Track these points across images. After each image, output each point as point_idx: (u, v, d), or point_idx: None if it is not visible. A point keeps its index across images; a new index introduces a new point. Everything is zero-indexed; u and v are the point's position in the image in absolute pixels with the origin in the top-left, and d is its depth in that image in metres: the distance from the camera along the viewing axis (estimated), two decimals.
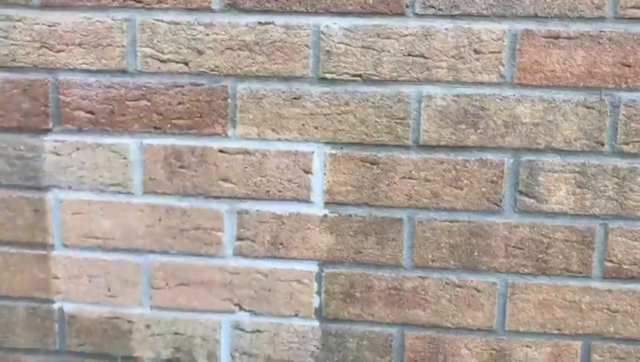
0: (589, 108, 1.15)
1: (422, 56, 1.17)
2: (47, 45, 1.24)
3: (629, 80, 1.14)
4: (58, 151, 1.27)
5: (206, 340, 1.32)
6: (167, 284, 1.31)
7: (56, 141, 1.27)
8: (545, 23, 1.14)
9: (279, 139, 1.23)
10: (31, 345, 1.37)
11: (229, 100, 1.22)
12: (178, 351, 1.33)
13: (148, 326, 1.32)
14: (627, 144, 1.16)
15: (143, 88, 1.23)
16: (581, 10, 1.12)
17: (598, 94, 1.15)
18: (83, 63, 1.23)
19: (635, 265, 1.19)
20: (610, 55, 1.13)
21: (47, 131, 1.27)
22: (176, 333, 1.32)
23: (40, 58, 1.24)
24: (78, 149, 1.27)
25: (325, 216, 1.25)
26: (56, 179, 1.28)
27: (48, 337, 1.36)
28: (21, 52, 1.24)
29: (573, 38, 1.14)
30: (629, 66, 1.13)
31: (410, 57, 1.17)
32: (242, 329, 1.31)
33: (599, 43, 1.13)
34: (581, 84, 1.15)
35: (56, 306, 1.34)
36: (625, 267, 1.20)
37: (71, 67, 1.24)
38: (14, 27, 1.23)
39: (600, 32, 1.13)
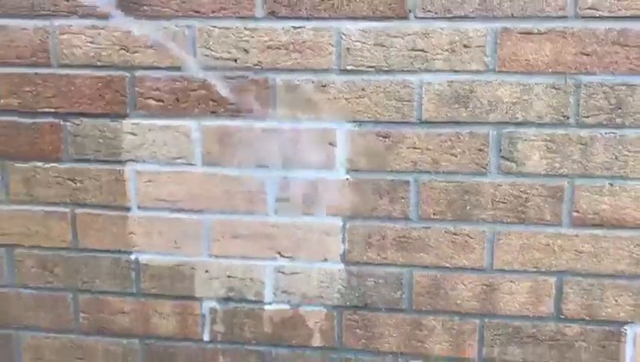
0: (556, 89, 1.39)
1: (422, 50, 1.41)
2: (125, 47, 1.51)
3: (588, 66, 1.37)
4: (134, 132, 1.55)
5: (253, 281, 1.59)
6: (222, 237, 1.57)
7: (132, 124, 1.54)
8: (519, 22, 1.37)
9: (309, 119, 1.48)
10: (113, 288, 1.64)
11: (270, 89, 1.48)
12: (231, 290, 1.60)
13: (207, 271, 1.60)
14: (587, 117, 1.39)
15: (201, 80, 1.51)
16: (548, 11, 1.36)
17: (563, 78, 1.38)
18: (154, 62, 1.50)
19: (597, 214, 1.43)
20: (573, 46, 1.37)
21: (126, 116, 1.54)
22: (229, 276, 1.59)
23: (120, 58, 1.51)
24: (150, 130, 1.54)
25: (347, 180, 1.50)
26: (133, 154, 1.55)
27: (126, 282, 1.63)
28: (104, 53, 1.52)
29: (542, 34, 1.37)
30: (588, 55, 1.37)
31: (413, 52, 1.42)
32: (282, 272, 1.57)
33: (563, 37, 1.37)
34: (550, 70, 1.38)
35: (133, 257, 1.61)
36: (589, 216, 1.43)
37: (144, 65, 1.51)
38: (99, 34, 1.51)
39: (564, 28, 1.36)
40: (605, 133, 1.40)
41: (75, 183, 1.59)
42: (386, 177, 1.49)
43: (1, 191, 1.62)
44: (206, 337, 1.63)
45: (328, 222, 1.53)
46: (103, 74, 1.53)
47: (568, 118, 1.40)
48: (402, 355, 1.57)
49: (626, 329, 1.48)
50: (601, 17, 1.35)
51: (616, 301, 1.47)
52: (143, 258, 1.62)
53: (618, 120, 1.39)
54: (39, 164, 1.60)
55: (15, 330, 1.71)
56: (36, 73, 1.55)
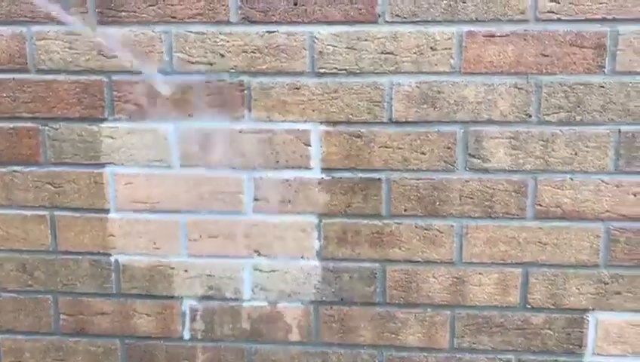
0: (519, 89, 1.46)
1: (391, 53, 1.47)
2: (102, 53, 1.55)
3: (548, 67, 1.44)
4: (112, 135, 1.57)
5: (232, 279, 1.62)
6: (200, 237, 1.61)
7: (110, 128, 1.57)
8: (483, 25, 1.43)
9: (284, 120, 1.52)
10: (93, 290, 1.66)
11: (245, 91, 1.52)
12: (210, 289, 1.63)
13: (186, 271, 1.63)
14: (548, 115, 1.46)
15: (178, 84, 1.55)
16: (510, 15, 1.42)
17: (525, 78, 1.45)
18: (130, 66, 1.55)
19: (559, 207, 1.50)
20: (533, 48, 1.43)
21: (104, 120, 1.57)
22: (208, 275, 1.62)
23: (97, 63, 1.55)
24: (128, 133, 1.57)
25: (322, 178, 1.54)
26: (111, 157, 1.58)
27: (106, 283, 1.66)
28: (82, 59, 1.55)
29: (504, 36, 1.43)
30: (547, 56, 1.44)
31: (383, 55, 1.47)
32: (260, 270, 1.61)
33: (524, 39, 1.43)
34: (512, 71, 1.45)
35: (112, 258, 1.64)
36: (551, 209, 1.50)
37: (121, 69, 1.55)
38: (77, 40, 1.54)
39: (525, 30, 1.43)
40: (565, 130, 1.47)
41: (54, 187, 1.61)
42: (359, 175, 1.54)
43: None
44: (186, 335, 1.66)
45: (304, 220, 1.58)
46: (81, 78, 1.56)
47: (530, 116, 1.47)
48: (377, 347, 1.62)
49: (588, 317, 1.55)
50: (559, 20, 1.42)
51: (578, 290, 1.54)
52: (123, 259, 1.65)
53: (577, 117, 1.46)
54: (18, 168, 1.61)
55: None
56: (14, 78, 1.56)
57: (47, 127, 1.59)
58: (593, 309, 1.55)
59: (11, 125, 1.59)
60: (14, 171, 1.62)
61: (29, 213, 1.64)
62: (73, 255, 1.66)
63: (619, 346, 1.56)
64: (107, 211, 1.62)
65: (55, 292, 1.68)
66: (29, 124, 1.59)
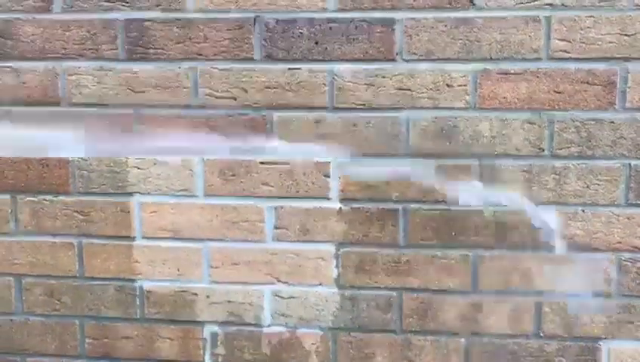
0: (532, 124, 1.51)
1: (409, 89, 1.52)
2: (130, 88, 1.62)
3: (560, 103, 1.49)
4: (139, 166, 1.64)
5: (252, 305, 1.67)
6: (222, 264, 1.66)
7: (137, 159, 1.64)
8: (498, 63, 1.49)
9: (305, 153, 1.59)
10: (118, 314, 1.71)
11: (267, 125, 1.59)
12: (231, 314, 1.68)
13: (208, 297, 1.68)
14: (560, 149, 1.51)
15: (204, 118, 1.61)
16: (523, 54, 1.48)
17: (538, 114, 1.50)
18: (158, 100, 1.61)
19: (571, 239, 1.54)
20: (546, 85, 1.49)
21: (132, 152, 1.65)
22: (229, 301, 1.67)
23: (126, 97, 1.62)
24: (155, 164, 1.64)
25: (340, 208, 1.59)
26: (138, 187, 1.64)
27: (131, 308, 1.71)
28: (111, 93, 1.62)
29: (518, 74, 1.49)
30: (560, 93, 1.49)
31: (401, 91, 1.53)
32: (280, 296, 1.66)
33: (537, 77, 1.49)
34: (526, 107, 1.50)
35: (137, 284, 1.70)
36: (564, 241, 1.54)
37: (149, 104, 1.61)
38: (106, 75, 1.62)
39: (538, 68, 1.48)
40: (577, 164, 1.52)
41: (81, 215, 1.67)
42: (377, 206, 1.59)
43: (11, 223, 1.70)
44: (208, 360, 1.71)
45: (322, 249, 1.63)
46: (110, 112, 1.62)
47: (543, 150, 1.52)
48: None
49: (600, 345, 1.59)
50: (570, 59, 1.48)
51: (591, 319, 1.58)
52: (147, 285, 1.70)
53: (589, 152, 1.51)
54: (47, 197, 1.67)
55: (22, 356, 1.78)
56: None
57: (76, 158, 1.65)
58: (605, 338, 1.58)
59: (42, 156, 1.65)
60: (44, 200, 1.68)
61: (57, 240, 1.70)
62: (99, 281, 1.71)
63: None
64: (133, 239, 1.68)
65: (81, 316, 1.74)
66: (59, 155, 1.65)
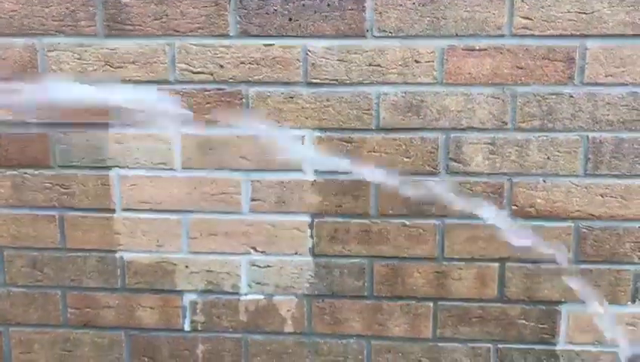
0: (495, 98, 1.58)
1: (379, 65, 1.58)
2: (109, 64, 1.65)
3: (522, 78, 1.56)
4: (119, 140, 1.67)
5: (230, 275, 1.73)
6: (200, 235, 1.71)
7: (117, 133, 1.68)
8: (463, 40, 1.55)
9: (280, 127, 1.64)
10: (99, 284, 1.77)
11: (243, 100, 1.64)
12: (210, 283, 1.74)
13: (187, 267, 1.74)
14: (523, 122, 1.58)
15: (181, 93, 1.65)
16: (488, 30, 1.54)
17: (501, 89, 1.57)
18: (136, 76, 1.65)
19: (533, 207, 1.63)
20: (509, 61, 1.55)
21: (111, 126, 1.69)
22: (208, 271, 1.73)
23: (104, 73, 1.66)
24: (134, 138, 1.68)
25: (315, 181, 1.66)
26: (117, 160, 1.68)
27: (112, 278, 1.76)
28: (90, 69, 1.66)
29: (482, 50, 1.55)
30: (522, 68, 1.55)
31: (371, 66, 1.58)
32: (257, 266, 1.72)
33: (501, 53, 1.55)
34: (489, 82, 1.56)
35: (118, 255, 1.74)
36: (525, 209, 1.63)
37: (127, 79, 1.65)
38: (85, 51, 1.65)
39: (501, 45, 1.55)
40: (539, 137, 1.60)
41: (62, 188, 1.71)
42: (349, 178, 1.65)
43: None
44: (187, 327, 1.77)
45: (298, 219, 1.69)
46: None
47: (506, 123, 1.59)
48: (365, 337, 1.74)
49: (560, 309, 1.68)
50: (532, 36, 1.55)
51: (551, 284, 1.67)
52: (128, 256, 1.75)
53: (549, 125, 1.59)
54: (29, 170, 1.71)
55: (5, 326, 1.82)
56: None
57: (56, 134, 1.68)
58: (564, 301, 1.67)
59: (23, 131, 1.69)
60: (25, 173, 1.71)
61: (39, 212, 1.73)
62: (81, 252, 1.76)
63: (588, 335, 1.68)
64: (113, 211, 1.72)
65: (63, 287, 1.79)
66: (39, 130, 1.68)
